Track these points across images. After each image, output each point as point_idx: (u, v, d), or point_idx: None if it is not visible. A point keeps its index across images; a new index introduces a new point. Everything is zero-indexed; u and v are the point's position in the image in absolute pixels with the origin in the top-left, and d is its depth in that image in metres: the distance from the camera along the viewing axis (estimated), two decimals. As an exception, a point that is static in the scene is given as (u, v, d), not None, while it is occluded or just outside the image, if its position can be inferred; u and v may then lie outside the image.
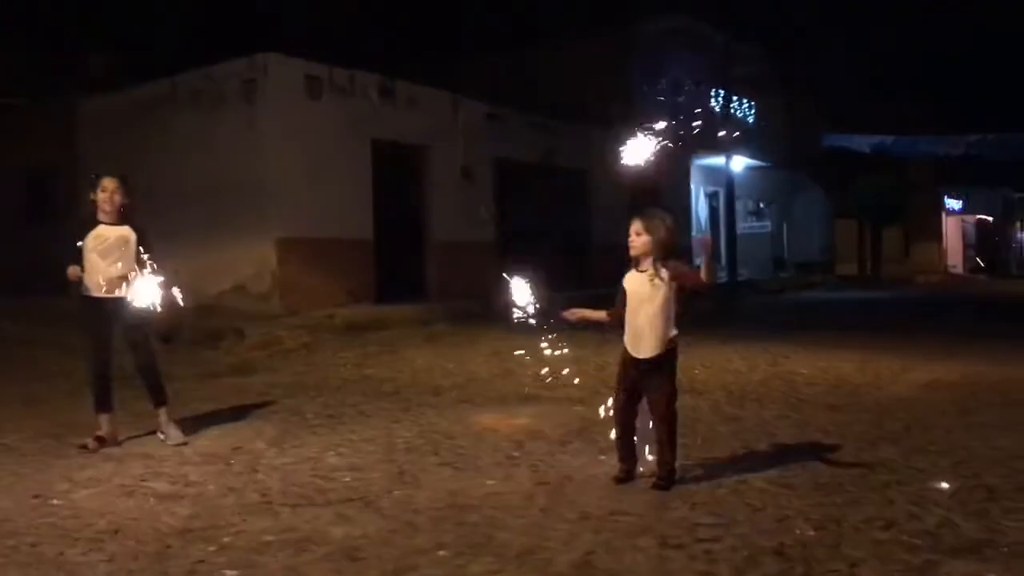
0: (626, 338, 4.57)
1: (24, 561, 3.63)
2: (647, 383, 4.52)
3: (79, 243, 5.62)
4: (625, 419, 4.61)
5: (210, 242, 12.45)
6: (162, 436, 5.74)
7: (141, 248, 5.69)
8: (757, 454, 5.27)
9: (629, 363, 4.57)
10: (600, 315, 4.75)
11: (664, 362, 4.51)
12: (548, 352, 5.94)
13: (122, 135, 13.96)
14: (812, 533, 3.81)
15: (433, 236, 15.02)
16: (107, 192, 5.66)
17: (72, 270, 5.49)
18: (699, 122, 20.73)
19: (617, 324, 4.63)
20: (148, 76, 14.31)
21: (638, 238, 4.50)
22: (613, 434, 4.69)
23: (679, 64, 21.87)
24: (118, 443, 5.61)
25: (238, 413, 6.81)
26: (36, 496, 4.54)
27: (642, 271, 4.52)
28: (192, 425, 6.18)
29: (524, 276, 4.87)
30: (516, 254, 16.16)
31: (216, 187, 12.61)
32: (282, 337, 10.67)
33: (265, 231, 12.49)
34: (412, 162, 14.89)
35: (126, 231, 5.70)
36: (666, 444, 4.50)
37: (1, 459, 5.36)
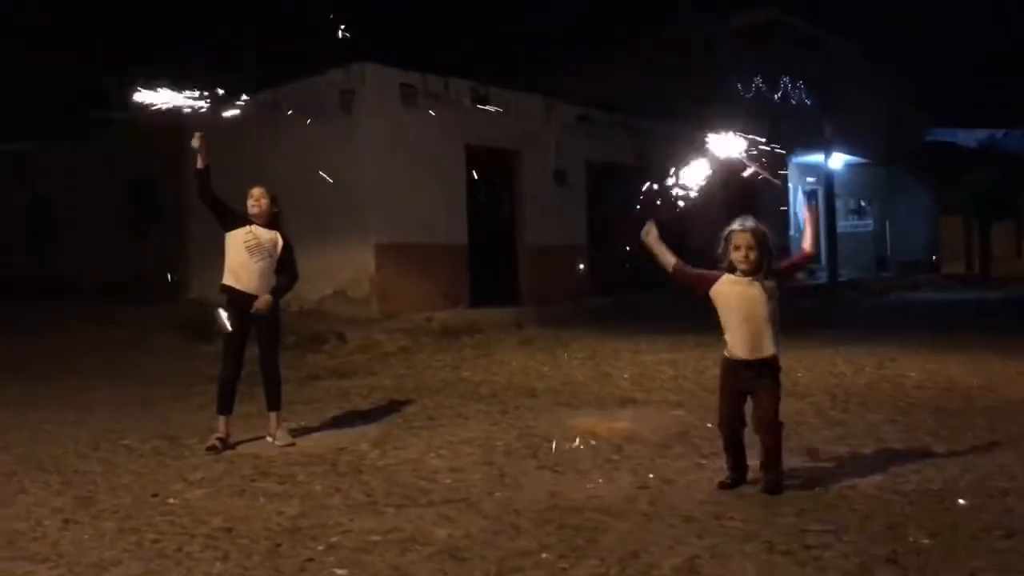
0: (731, 344, 4.50)
1: (147, 556, 3.79)
2: (753, 389, 4.47)
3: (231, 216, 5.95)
4: (732, 427, 4.55)
5: (311, 248, 12.73)
6: (270, 438, 5.92)
7: (285, 255, 6.00)
8: (865, 459, 5.12)
9: (733, 369, 4.51)
10: (669, 260, 4.64)
11: (771, 367, 4.45)
12: (644, 355, 5.90)
13: (225, 145, 14.39)
14: (926, 541, 3.68)
15: (526, 240, 15.08)
16: (254, 198, 6.01)
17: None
18: (795, 119, 20.30)
19: (676, 279, 4.63)
20: (249, 87, 14.73)
21: (752, 252, 4.39)
22: (721, 443, 4.65)
23: (771, 60, 21.40)
24: (232, 446, 5.81)
25: (341, 415, 6.98)
26: (154, 495, 4.75)
27: (744, 276, 4.45)
28: (297, 427, 6.36)
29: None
30: (607, 257, 16.17)
31: (317, 195, 12.92)
32: (381, 341, 10.88)
33: (364, 237, 12.76)
34: (505, 166, 14.99)
35: (276, 235, 6.02)
36: (773, 450, 4.44)
37: (121, 459, 5.63)
